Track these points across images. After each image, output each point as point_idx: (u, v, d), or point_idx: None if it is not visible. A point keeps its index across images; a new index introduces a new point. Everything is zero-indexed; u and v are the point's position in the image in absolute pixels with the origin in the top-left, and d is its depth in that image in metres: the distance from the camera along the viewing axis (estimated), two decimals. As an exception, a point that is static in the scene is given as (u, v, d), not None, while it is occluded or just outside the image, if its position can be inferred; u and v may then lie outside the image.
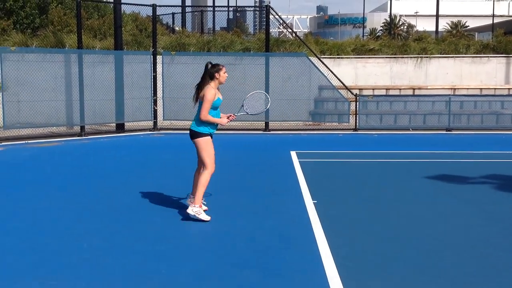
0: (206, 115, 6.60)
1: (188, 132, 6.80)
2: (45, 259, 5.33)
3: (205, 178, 6.65)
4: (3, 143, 13.24)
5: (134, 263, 5.25)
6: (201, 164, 6.81)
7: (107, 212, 7.12)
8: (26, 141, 13.75)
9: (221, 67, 6.70)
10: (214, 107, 6.69)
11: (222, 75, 6.68)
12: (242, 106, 7.07)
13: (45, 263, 5.21)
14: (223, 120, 6.79)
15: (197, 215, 6.50)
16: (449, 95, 18.43)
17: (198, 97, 6.70)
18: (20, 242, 5.87)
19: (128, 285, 4.73)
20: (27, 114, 14.34)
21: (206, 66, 6.70)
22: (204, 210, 6.79)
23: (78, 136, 14.90)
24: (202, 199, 6.85)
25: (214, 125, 6.75)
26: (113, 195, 8.11)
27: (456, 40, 23.55)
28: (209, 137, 6.73)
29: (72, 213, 7.09)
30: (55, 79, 14.97)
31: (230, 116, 6.88)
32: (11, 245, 5.75)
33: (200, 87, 6.70)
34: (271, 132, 16.56)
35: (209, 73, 6.66)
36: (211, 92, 6.57)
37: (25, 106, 14.27)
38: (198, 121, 6.67)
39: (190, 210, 6.53)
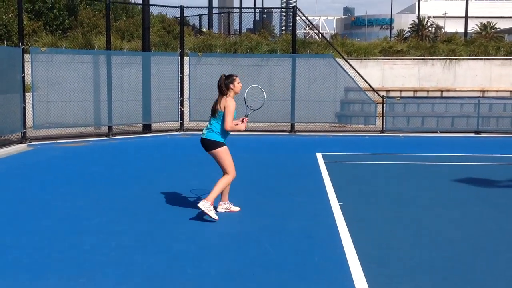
0: (232, 126, 6.77)
1: (201, 142, 6.88)
2: (74, 257, 5.41)
3: (224, 182, 6.82)
4: (33, 143, 13.46)
5: (160, 262, 5.29)
6: (222, 170, 6.91)
7: (135, 211, 7.19)
8: (55, 141, 13.96)
9: (234, 77, 6.83)
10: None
11: (237, 85, 6.81)
12: (246, 106, 7.14)
13: (74, 262, 5.28)
14: (242, 126, 6.94)
15: (206, 211, 6.57)
16: (478, 97, 18.18)
17: (215, 111, 6.79)
18: (50, 240, 5.96)
19: (155, 284, 4.76)
20: (56, 114, 14.56)
21: (220, 78, 6.80)
22: (237, 210, 7.12)
23: (106, 137, 15.07)
24: (230, 202, 7.13)
25: (227, 134, 6.88)
26: (141, 194, 8.18)
27: (486, 41, 23.21)
28: (226, 146, 6.85)
29: (100, 212, 7.17)
30: (84, 80, 15.17)
31: (244, 119, 7.00)
32: (42, 244, 5.84)
33: (216, 100, 6.83)
34: (297, 133, 16.53)
35: (225, 85, 6.78)
36: (232, 102, 6.72)
37: (54, 107, 14.49)
38: (216, 131, 6.78)
39: (202, 205, 6.59)
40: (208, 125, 6.88)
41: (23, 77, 13.54)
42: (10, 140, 13.38)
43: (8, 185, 8.89)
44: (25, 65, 13.63)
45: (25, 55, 13.60)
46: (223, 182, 6.80)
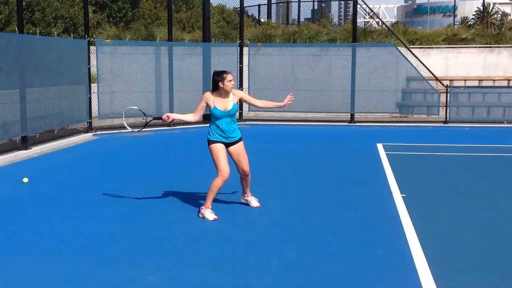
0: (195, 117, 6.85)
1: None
2: (141, 244, 5.55)
3: (214, 184, 6.50)
4: (98, 132, 13.88)
5: (224, 250, 5.36)
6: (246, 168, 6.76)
7: (197, 200, 7.30)
8: (119, 131, 14.32)
9: (225, 75, 6.45)
10: (215, 116, 6.61)
11: (226, 83, 6.45)
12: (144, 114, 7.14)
13: (141, 249, 5.43)
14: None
15: (201, 217, 6.44)
16: (548, 86, 17.42)
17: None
18: (117, 228, 6.14)
19: (218, 271, 4.83)
20: (120, 105, 14.93)
21: (213, 74, 6.57)
22: (256, 206, 6.94)
23: (168, 126, 15.35)
24: (253, 196, 7.06)
25: (222, 131, 6.63)
26: (204, 183, 8.29)
27: (556, 28, 22.19)
28: (215, 143, 6.60)
29: (164, 200, 7.33)
30: (146, 71, 15.49)
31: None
32: (110, 231, 6.03)
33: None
34: (357, 124, 16.33)
35: (213, 81, 6.52)
36: (202, 97, 6.65)
37: (118, 97, 14.86)
38: (209, 128, 6.77)
39: (200, 213, 6.51)
40: None
41: (89, 68, 13.95)
42: (77, 130, 13.84)
43: (75, 173, 9.20)
44: (91, 57, 14.03)
45: (90, 47, 14.00)
46: (213, 185, 6.48)
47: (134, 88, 15.02)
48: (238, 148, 6.72)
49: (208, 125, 6.86)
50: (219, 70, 6.59)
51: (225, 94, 6.55)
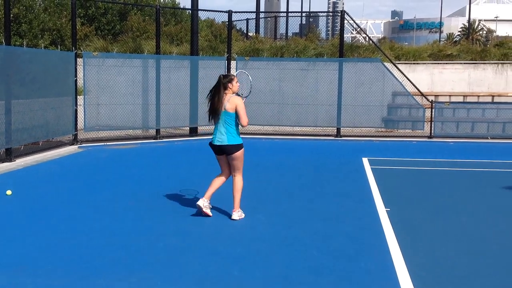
0: (247, 120, 6.92)
1: (220, 146, 6.91)
2: (124, 257, 5.53)
3: (241, 185, 6.99)
4: (83, 145, 13.82)
5: (207, 264, 5.35)
6: (234, 172, 7.00)
7: (182, 213, 7.29)
8: (105, 143, 14.29)
9: (232, 77, 6.97)
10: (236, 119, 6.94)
11: (235, 84, 6.94)
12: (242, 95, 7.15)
13: (124, 261, 5.40)
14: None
15: (238, 217, 6.97)
16: (531, 102, 17.63)
17: (217, 110, 6.84)
18: (99, 240, 6.11)
19: (202, 285, 4.82)
20: (106, 117, 14.91)
21: (219, 78, 6.94)
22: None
23: (154, 139, 15.33)
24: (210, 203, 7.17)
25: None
26: (187, 197, 8.29)
27: (540, 45, 22.48)
28: None
29: (147, 214, 7.30)
30: (133, 84, 15.48)
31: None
32: (93, 244, 5.99)
33: (215, 99, 6.87)
34: (343, 138, 16.42)
35: (223, 84, 6.88)
36: (240, 100, 6.85)
37: (104, 109, 14.83)
38: (235, 134, 6.88)
39: (235, 216, 6.93)
40: (222, 131, 6.89)
41: (76, 80, 13.92)
42: (62, 142, 13.77)
43: (59, 186, 9.14)
44: (78, 69, 14.01)
45: (77, 59, 13.98)
46: (241, 186, 6.97)
47: (121, 101, 15.01)
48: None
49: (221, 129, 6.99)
50: (225, 74, 7.25)
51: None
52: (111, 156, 12.54)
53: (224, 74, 7.11)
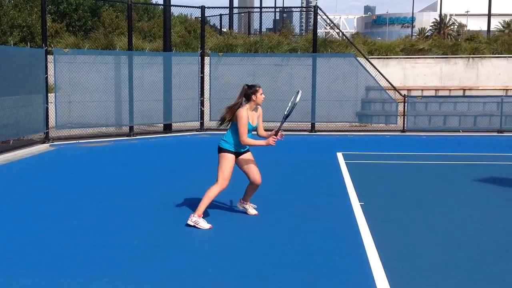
0: (246, 140, 6.46)
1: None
2: (96, 256, 5.46)
3: (212, 191, 6.49)
4: (55, 143, 13.61)
5: (182, 261, 5.31)
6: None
7: (157, 212, 7.23)
8: (77, 141, 14.10)
9: (257, 88, 6.54)
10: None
11: (259, 96, 6.54)
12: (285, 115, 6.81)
13: (95, 260, 5.33)
14: (262, 142, 6.54)
15: (196, 225, 6.35)
16: (501, 96, 17.93)
17: (229, 118, 6.53)
18: (72, 240, 6.02)
19: (176, 283, 4.79)
20: (78, 115, 14.70)
21: (243, 88, 6.56)
22: (254, 214, 7.01)
23: (127, 136, 15.18)
24: (251, 204, 7.09)
25: (241, 146, 6.63)
26: (163, 195, 8.22)
27: (509, 39, 22.85)
28: (231, 154, 6.57)
29: (122, 212, 7.23)
30: (106, 80, 15.30)
31: (274, 134, 6.60)
32: (66, 244, 5.90)
33: (231, 108, 6.54)
34: (317, 133, 16.48)
35: (245, 95, 6.53)
36: (243, 114, 6.41)
37: (76, 107, 14.63)
38: (229, 142, 6.56)
39: (189, 222, 6.38)
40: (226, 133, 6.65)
41: (46, 77, 13.70)
42: (33, 140, 13.56)
43: (31, 185, 9.00)
44: (48, 66, 13.79)
45: (48, 56, 13.76)
46: (212, 192, 6.47)
47: (93, 98, 14.82)
48: (249, 156, 6.77)
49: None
50: (250, 84, 6.62)
51: (253, 107, 6.60)
52: (83, 154, 12.38)
53: (249, 84, 6.58)
